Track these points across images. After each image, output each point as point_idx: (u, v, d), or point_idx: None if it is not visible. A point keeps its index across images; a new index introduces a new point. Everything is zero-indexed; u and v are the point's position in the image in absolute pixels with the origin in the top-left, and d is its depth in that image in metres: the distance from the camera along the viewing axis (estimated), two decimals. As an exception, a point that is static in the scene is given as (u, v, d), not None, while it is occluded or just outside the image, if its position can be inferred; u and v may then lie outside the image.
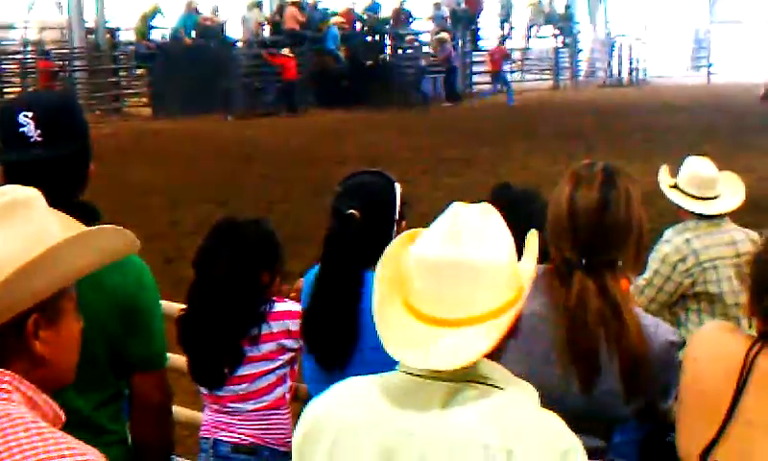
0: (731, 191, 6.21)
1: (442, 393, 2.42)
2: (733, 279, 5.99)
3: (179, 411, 4.94)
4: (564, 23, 38.48)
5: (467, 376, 2.41)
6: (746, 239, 6.05)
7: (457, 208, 2.50)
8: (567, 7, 39.25)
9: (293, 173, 18.09)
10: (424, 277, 2.43)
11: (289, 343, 4.48)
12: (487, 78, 34.74)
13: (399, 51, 33.75)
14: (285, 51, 29.15)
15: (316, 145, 21.79)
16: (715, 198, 6.15)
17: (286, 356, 4.53)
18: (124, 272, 3.38)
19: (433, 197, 13.18)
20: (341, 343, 3.88)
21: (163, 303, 3.83)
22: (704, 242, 6.05)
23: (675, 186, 6.18)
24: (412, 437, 2.42)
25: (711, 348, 3.14)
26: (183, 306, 4.63)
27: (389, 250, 2.63)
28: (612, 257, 3.24)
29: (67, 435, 2.13)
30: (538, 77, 38.21)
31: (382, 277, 2.58)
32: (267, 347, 4.48)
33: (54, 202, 2.92)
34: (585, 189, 3.26)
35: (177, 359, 4.67)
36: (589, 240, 3.22)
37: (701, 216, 6.11)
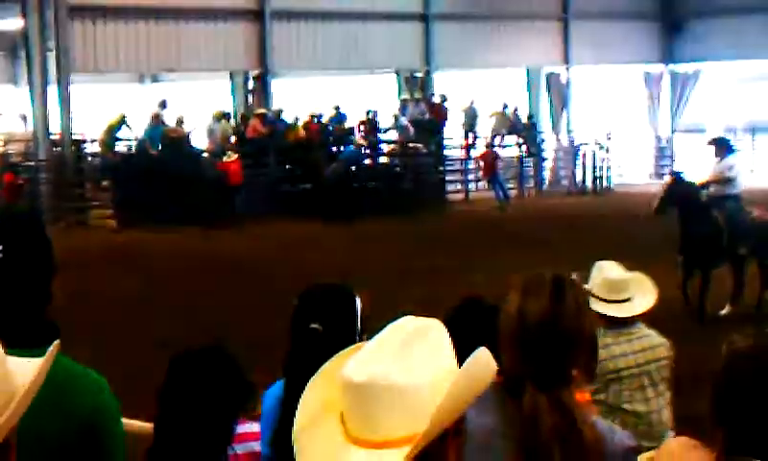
0: (641, 293, 6.35)
1: None
2: (636, 392, 6.12)
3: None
4: (528, 132, 38.78)
5: None
6: (659, 345, 6.25)
7: (394, 326, 2.46)
8: (531, 116, 39.59)
9: (258, 283, 18.07)
10: (347, 396, 2.40)
11: None
12: (452, 187, 35.24)
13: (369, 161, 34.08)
14: (232, 156, 29.32)
15: (284, 254, 21.79)
16: (626, 300, 6.25)
17: None
18: (82, 392, 3.33)
19: (397, 309, 13.08)
20: None
21: (125, 420, 3.78)
22: (610, 352, 6.12)
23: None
24: None
25: None
26: (144, 424, 4.56)
27: (327, 366, 2.59)
28: (563, 369, 3.19)
29: None
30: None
31: (313, 394, 2.55)
32: None
33: (17, 318, 2.92)
34: (533, 301, 3.21)
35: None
36: (540, 353, 3.16)
37: (613, 320, 6.18)
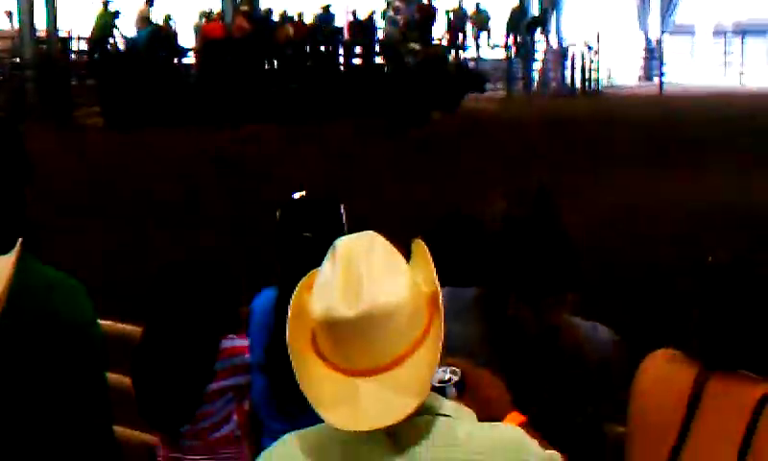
0: None
1: (393, 437, 2.34)
2: None
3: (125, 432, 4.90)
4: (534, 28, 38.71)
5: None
6: None
7: (343, 251, 2.40)
8: (545, 10, 39.45)
9: (247, 186, 17.98)
10: (333, 336, 2.34)
11: (236, 380, 4.41)
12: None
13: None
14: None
15: (271, 157, 21.67)
16: None
17: (230, 395, 4.46)
18: (60, 296, 3.32)
19: (379, 215, 13.07)
20: None
21: (104, 322, 3.78)
22: None
23: None
24: None
25: (658, 379, 3.11)
26: (124, 326, 4.58)
27: (295, 300, 2.53)
28: (546, 279, 3.14)
29: None
30: (491, 86, 38.21)
31: (294, 330, 2.49)
32: (211, 387, 4.39)
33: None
34: (518, 208, 3.16)
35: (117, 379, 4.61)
36: (523, 262, 3.12)
37: None
